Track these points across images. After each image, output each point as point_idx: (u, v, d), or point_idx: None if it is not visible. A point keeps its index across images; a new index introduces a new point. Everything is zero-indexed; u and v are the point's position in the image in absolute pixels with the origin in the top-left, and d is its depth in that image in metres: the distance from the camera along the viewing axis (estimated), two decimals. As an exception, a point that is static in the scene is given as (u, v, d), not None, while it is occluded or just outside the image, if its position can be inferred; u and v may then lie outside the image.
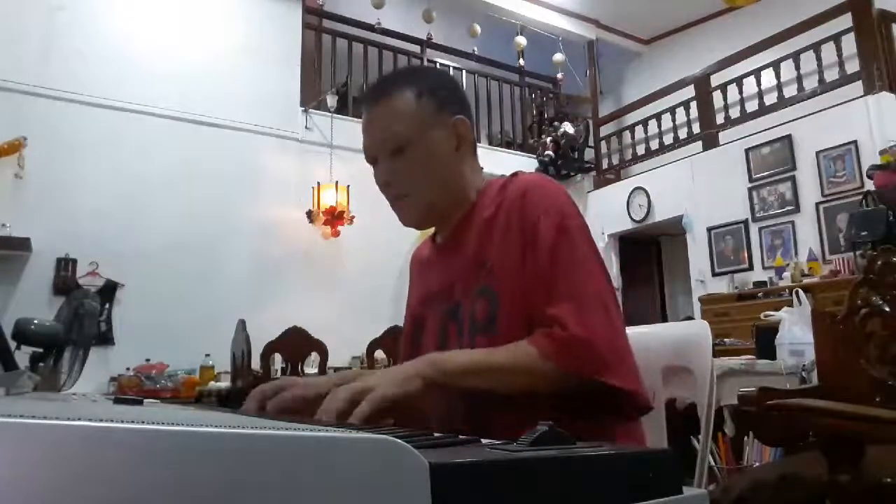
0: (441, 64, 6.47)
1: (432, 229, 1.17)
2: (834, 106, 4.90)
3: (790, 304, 3.04)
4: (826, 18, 5.05)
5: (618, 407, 0.85)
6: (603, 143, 7.10)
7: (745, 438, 2.77)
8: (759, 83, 5.50)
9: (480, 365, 0.85)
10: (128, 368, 4.27)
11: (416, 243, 1.27)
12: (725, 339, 4.25)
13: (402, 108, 0.99)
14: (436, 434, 0.52)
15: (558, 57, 6.77)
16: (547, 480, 0.38)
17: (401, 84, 1.01)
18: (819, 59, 5.08)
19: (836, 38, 4.96)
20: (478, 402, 0.87)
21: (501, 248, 0.95)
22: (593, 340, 0.84)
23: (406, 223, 1.06)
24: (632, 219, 6.34)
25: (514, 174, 1.04)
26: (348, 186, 5.22)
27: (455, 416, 0.90)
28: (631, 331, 0.94)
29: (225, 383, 4.09)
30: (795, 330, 2.63)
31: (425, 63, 6.32)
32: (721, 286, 5.51)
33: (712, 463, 2.77)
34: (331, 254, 5.32)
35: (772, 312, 3.02)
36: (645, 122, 6.55)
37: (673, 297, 7.24)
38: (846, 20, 4.93)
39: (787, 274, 4.95)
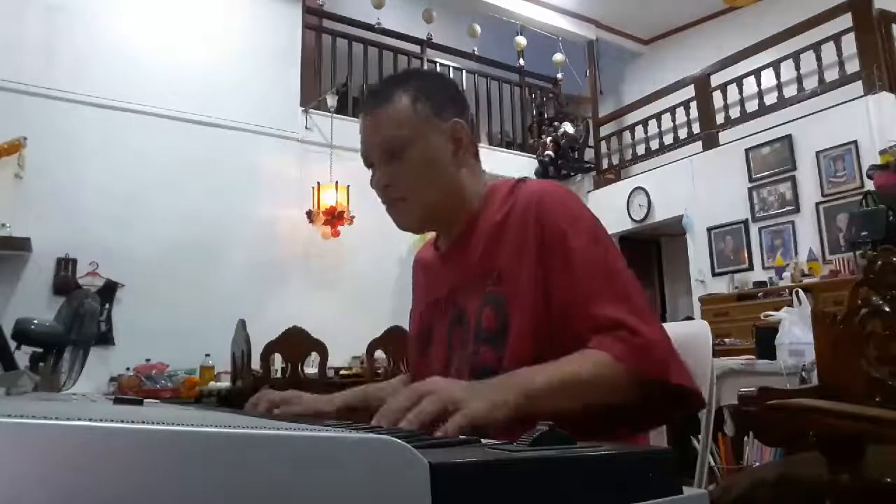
0: (441, 64, 6.48)
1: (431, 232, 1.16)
2: (834, 106, 4.89)
3: (790, 304, 3.03)
4: (826, 18, 5.04)
5: (680, 406, 0.86)
6: (603, 143, 7.10)
7: (745, 438, 2.77)
8: (759, 83, 5.50)
9: (563, 381, 0.79)
10: (128, 368, 4.27)
11: (417, 243, 1.28)
12: (725, 339, 4.25)
13: (397, 112, 0.99)
14: (436, 434, 0.52)
15: (558, 57, 6.77)
16: (547, 480, 0.38)
17: (397, 88, 1.01)
18: (819, 59, 5.07)
19: (836, 38, 4.96)
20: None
21: (512, 256, 0.94)
22: (662, 343, 0.85)
23: (402, 227, 1.05)
24: (632, 219, 6.34)
25: (522, 180, 1.03)
26: (348, 186, 5.22)
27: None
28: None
29: (225, 383, 4.09)
30: (795, 330, 2.62)
31: (425, 63, 6.32)
32: (721, 286, 5.51)
33: (712, 463, 2.77)
34: (331, 254, 5.32)
35: (772, 312, 3.02)
36: (645, 122, 6.54)
37: (673, 297, 7.24)
38: (846, 20, 4.93)
39: (787, 274, 4.94)
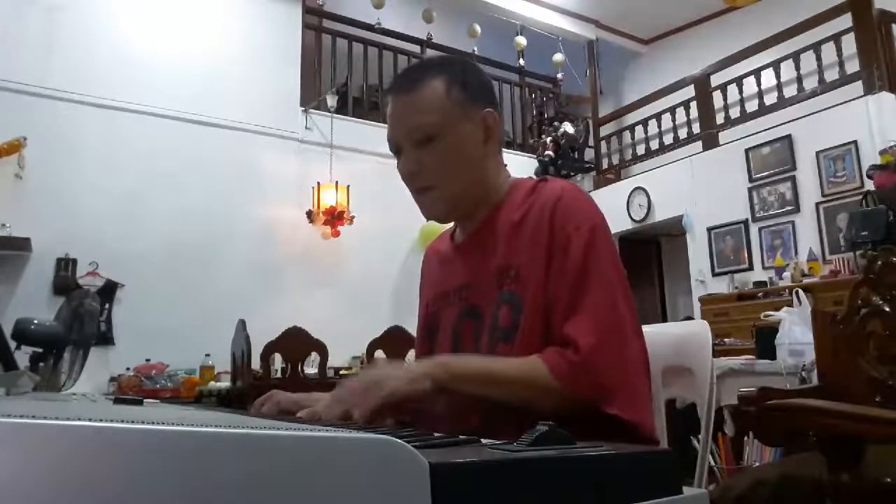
0: (441, 64, 6.46)
1: (437, 230, 1.16)
2: (834, 106, 4.89)
3: (790, 304, 3.03)
4: (826, 18, 5.04)
5: (619, 436, 0.84)
6: (603, 143, 7.10)
7: (745, 438, 2.77)
8: (759, 83, 5.50)
9: (489, 374, 0.85)
10: (128, 368, 4.27)
11: (418, 243, 1.28)
12: (725, 339, 4.24)
13: (431, 97, 0.97)
14: (436, 434, 0.52)
15: (558, 57, 6.77)
16: (547, 480, 0.38)
17: (431, 74, 0.99)
18: (819, 59, 5.07)
19: (836, 38, 4.96)
20: (487, 412, 0.87)
21: (529, 254, 0.94)
22: (603, 368, 0.84)
23: (429, 216, 1.04)
24: (632, 219, 6.33)
25: (544, 178, 1.03)
26: (348, 186, 5.22)
27: (462, 421, 0.90)
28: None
29: (225, 383, 4.09)
30: (795, 330, 2.62)
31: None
32: (721, 286, 5.51)
33: (712, 463, 2.77)
34: (331, 254, 5.32)
35: (772, 312, 3.02)
36: (645, 122, 6.54)
37: (673, 297, 7.23)
38: (846, 20, 4.93)
39: (787, 274, 4.94)
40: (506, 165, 1.08)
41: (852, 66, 4.89)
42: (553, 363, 0.84)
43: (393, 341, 3.48)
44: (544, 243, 0.92)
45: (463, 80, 1.00)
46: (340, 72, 5.96)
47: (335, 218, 5.14)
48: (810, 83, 5.14)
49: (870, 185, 4.50)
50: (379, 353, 3.61)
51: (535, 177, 1.06)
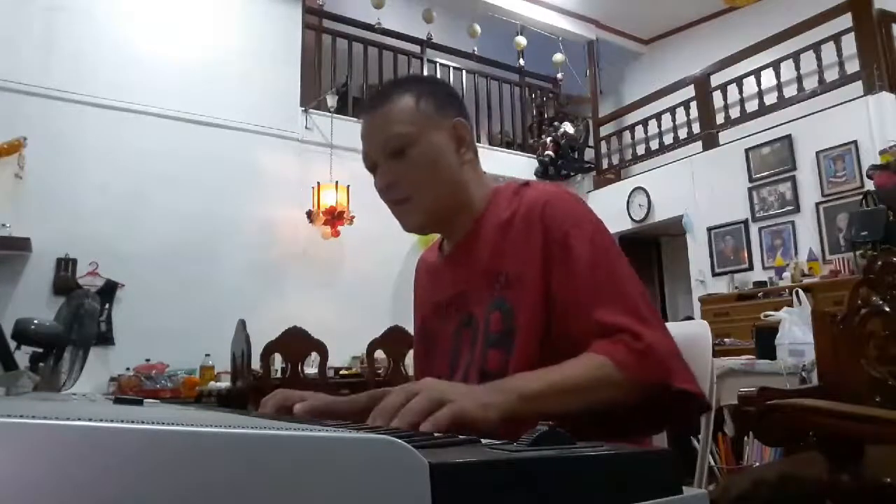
0: (441, 64, 6.48)
1: (436, 234, 1.15)
2: (834, 106, 4.89)
3: (790, 304, 3.03)
4: (826, 18, 5.04)
5: (685, 412, 0.86)
6: (603, 143, 7.10)
7: (745, 438, 2.77)
8: (759, 83, 5.50)
9: (560, 385, 0.79)
10: (128, 368, 4.27)
11: (418, 244, 1.28)
12: (725, 339, 4.24)
13: (401, 110, 0.99)
14: (436, 434, 0.52)
15: (558, 57, 6.77)
16: (547, 480, 0.38)
17: (398, 90, 1.01)
18: (819, 59, 5.07)
19: (836, 38, 4.96)
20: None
21: (518, 259, 0.93)
22: (666, 348, 0.84)
23: (408, 228, 1.04)
24: (632, 219, 6.34)
25: (526, 183, 1.03)
26: (348, 186, 5.22)
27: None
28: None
29: (225, 383, 4.09)
30: (795, 330, 2.62)
31: (425, 63, 6.34)
32: (721, 286, 5.51)
33: (712, 463, 2.77)
34: (331, 254, 5.32)
35: (772, 312, 3.01)
36: (645, 122, 6.54)
37: (673, 297, 7.24)
38: (846, 20, 4.93)
39: (787, 274, 4.94)
40: (485, 173, 1.08)
41: (852, 66, 4.89)
42: (618, 355, 0.81)
43: (393, 341, 3.49)
44: (538, 245, 0.92)
45: (430, 92, 1.02)
46: (340, 72, 5.96)
47: (335, 218, 5.14)
48: (810, 83, 5.14)
49: (870, 185, 4.50)
50: (379, 353, 3.62)
51: (535, 177, 1.07)
